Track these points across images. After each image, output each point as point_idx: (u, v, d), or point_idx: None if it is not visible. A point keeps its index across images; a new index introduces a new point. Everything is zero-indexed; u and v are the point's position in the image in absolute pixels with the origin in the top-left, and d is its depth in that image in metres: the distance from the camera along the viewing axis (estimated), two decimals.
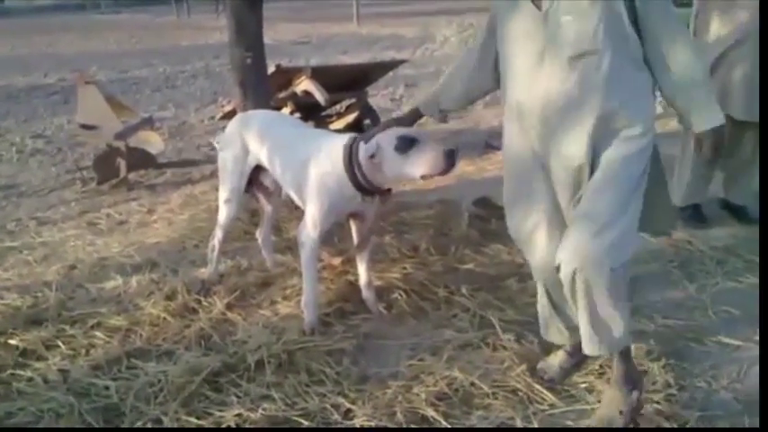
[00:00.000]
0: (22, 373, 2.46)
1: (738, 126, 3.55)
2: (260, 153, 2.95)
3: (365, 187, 2.54)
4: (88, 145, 6.24)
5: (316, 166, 2.67)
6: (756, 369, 2.44)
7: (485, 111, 8.36)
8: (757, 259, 3.26)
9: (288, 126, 3.04)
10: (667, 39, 1.99)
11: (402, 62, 7.32)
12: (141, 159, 5.62)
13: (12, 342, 2.65)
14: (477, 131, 7.21)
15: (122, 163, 5.26)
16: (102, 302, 2.99)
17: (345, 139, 2.61)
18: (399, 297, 2.99)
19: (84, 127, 5.66)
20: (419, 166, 2.36)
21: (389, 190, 2.64)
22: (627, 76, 1.99)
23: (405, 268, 3.24)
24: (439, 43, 14.78)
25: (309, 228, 2.72)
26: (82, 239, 4.02)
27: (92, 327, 2.78)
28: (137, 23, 21.81)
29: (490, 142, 6.53)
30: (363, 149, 2.44)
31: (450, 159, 2.33)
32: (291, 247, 3.55)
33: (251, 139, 2.97)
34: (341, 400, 2.33)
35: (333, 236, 3.47)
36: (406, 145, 2.36)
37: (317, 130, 3.35)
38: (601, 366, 2.46)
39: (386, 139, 2.40)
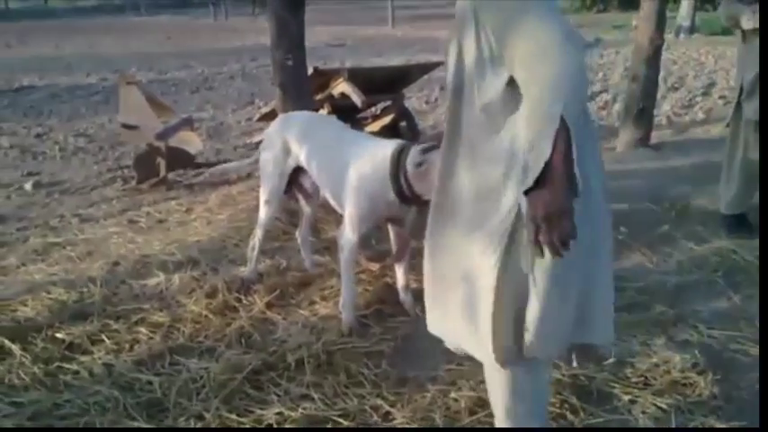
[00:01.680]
0: (68, 366, 2.51)
1: None
2: (300, 154, 2.97)
3: (405, 195, 2.54)
4: (129, 144, 6.36)
5: (357, 168, 2.67)
6: None
7: None
8: None
9: (329, 128, 3.05)
10: None
11: (438, 64, 7.28)
12: (180, 159, 5.70)
13: (58, 335, 2.71)
14: None
15: (162, 162, 5.35)
16: (145, 299, 3.04)
17: (393, 144, 2.60)
18: None
19: (126, 126, 5.78)
20: None
21: (427, 201, 2.63)
22: None
23: None
24: None
25: (348, 231, 2.73)
26: (123, 237, 4.08)
27: (135, 322, 2.82)
28: (175, 25, 22.18)
29: None
30: (410, 157, 2.44)
31: None
32: (329, 247, 3.57)
33: (292, 140, 3.00)
34: (380, 401, 2.32)
35: (371, 239, 3.48)
36: None
37: (358, 132, 3.36)
38: (645, 378, 2.42)
39: (435, 149, 2.39)
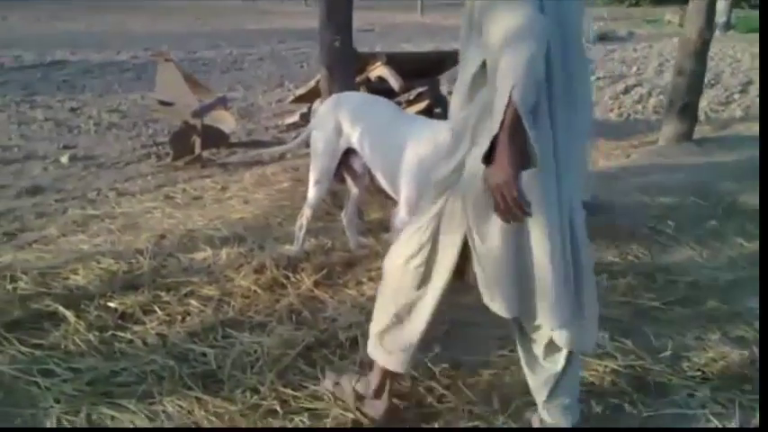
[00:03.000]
0: (122, 334, 2.52)
1: None
2: (353, 135, 2.94)
3: None
4: (162, 121, 6.37)
5: (416, 149, 2.64)
6: None
7: None
8: None
9: (383, 110, 3.01)
10: None
11: None
12: (215, 138, 5.70)
13: (111, 305, 2.72)
14: None
15: (197, 140, 5.35)
16: (193, 272, 3.04)
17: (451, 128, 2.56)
18: None
19: (162, 103, 5.79)
20: None
21: None
22: None
23: None
24: None
25: (405, 212, 2.70)
26: (162, 211, 4.10)
27: (185, 295, 2.82)
28: (203, 6, 22.17)
29: None
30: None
31: None
32: (372, 229, 3.56)
33: (345, 120, 2.96)
34: (434, 384, 2.31)
35: None
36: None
37: (414, 115, 3.32)
38: (703, 372, 2.38)
39: None
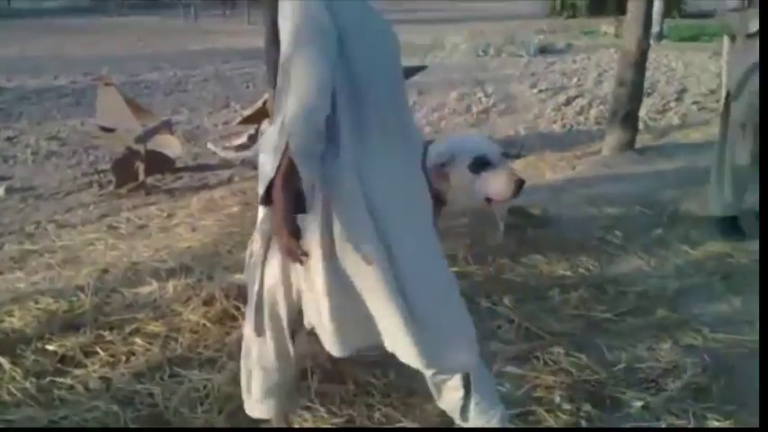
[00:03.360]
0: (62, 380, 2.39)
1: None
2: None
3: None
4: (104, 147, 6.18)
5: None
6: None
7: (500, 119, 8.34)
8: None
9: None
10: None
11: (422, 68, 7.26)
12: (160, 163, 5.57)
13: (50, 348, 2.58)
14: (494, 140, 7.16)
15: (141, 166, 5.22)
16: (138, 308, 2.92)
17: None
18: None
19: (103, 129, 5.61)
20: (487, 189, 2.32)
21: (444, 201, 2.58)
22: None
23: None
24: (448, 51, 14.76)
25: None
26: (104, 243, 3.96)
27: (130, 333, 2.71)
28: (144, 27, 21.78)
29: (506, 151, 6.50)
30: (435, 156, 2.39)
31: (518, 189, 2.29)
32: None
33: None
34: (390, 411, 2.26)
35: None
36: (481, 166, 2.32)
37: None
38: (656, 383, 2.40)
39: (463, 153, 2.35)
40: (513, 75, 11.35)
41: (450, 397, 1.92)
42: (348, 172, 1.66)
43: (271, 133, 2.96)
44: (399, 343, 1.78)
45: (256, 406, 2.00)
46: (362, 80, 1.68)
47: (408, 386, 2.41)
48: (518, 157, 6.24)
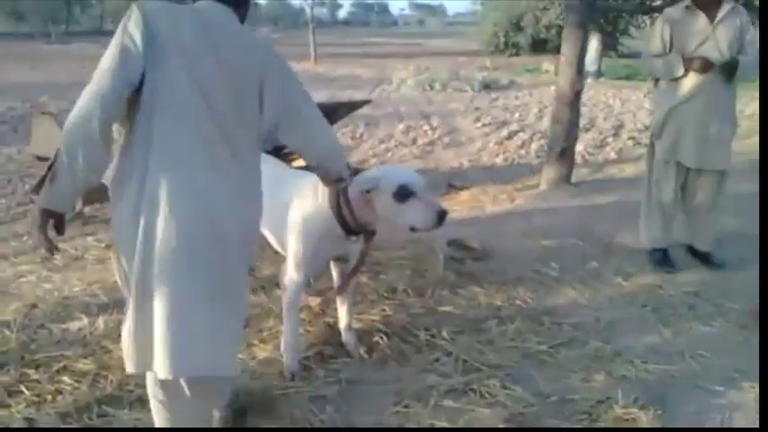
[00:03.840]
0: None
1: (693, 174, 3.78)
2: None
3: (350, 226, 2.50)
4: (39, 176, 6.00)
5: (299, 207, 2.61)
6: (739, 414, 2.48)
7: (445, 152, 8.48)
8: (728, 304, 3.36)
9: (268, 166, 2.95)
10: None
11: (366, 102, 7.34)
12: (98, 193, 5.41)
13: None
14: (439, 172, 7.28)
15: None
16: (67, 344, 2.81)
17: None
18: (380, 340, 2.92)
19: (39, 158, 5.47)
20: (410, 218, 2.35)
21: (374, 231, 2.60)
22: None
23: (384, 310, 3.19)
24: (395, 85, 14.99)
25: (292, 271, 2.64)
26: (37, 275, 3.82)
27: (57, 371, 2.60)
28: (86, 54, 21.35)
29: (453, 183, 6.61)
30: (358, 183, 2.41)
31: (440, 219, 2.33)
32: (264, 286, 3.47)
33: None
34: None
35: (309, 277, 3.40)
36: (404, 195, 2.35)
37: (297, 170, 3.29)
38: (590, 415, 2.44)
39: (387, 181, 2.38)
40: (457, 109, 11.60)
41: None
42: (136, 173, 1.78)
43: None
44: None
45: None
46: (170, 91, 1.78)
47: (346, 421, 2.40)
48: (461, 189, 6.36)
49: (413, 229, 2.39)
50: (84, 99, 1.70)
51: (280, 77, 2.00)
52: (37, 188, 1.73)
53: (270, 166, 2.96)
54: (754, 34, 3.74)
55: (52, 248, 1.77)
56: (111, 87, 1.71)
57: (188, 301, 1.79)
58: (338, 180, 2.36)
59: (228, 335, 1.90)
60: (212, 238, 1.83)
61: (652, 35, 3.86)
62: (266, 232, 2.86)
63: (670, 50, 3.73)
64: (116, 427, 2.18)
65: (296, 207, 2.63)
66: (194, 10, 1.91)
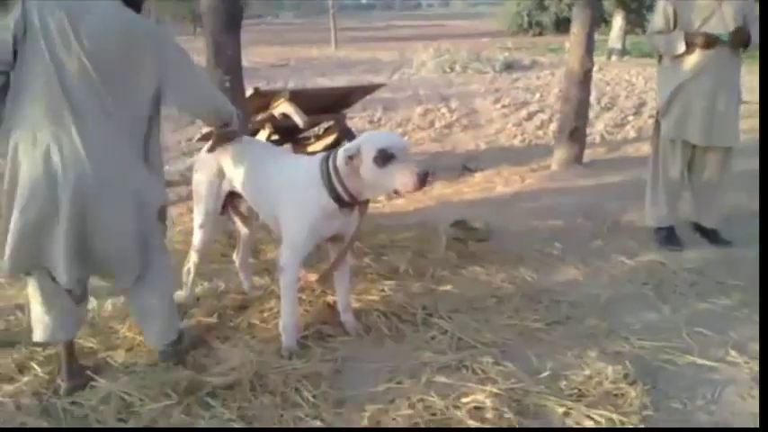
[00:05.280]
0: None
1: (700, 151, 3.74)
2: (234, 179, 2.94)
3: (343, 198, 2.55)
4: None
5: (292, 188, 2.67)
6: (730, 390, 2.49)
7: (462, 134, 8.47)
8: (729, 281, 3.33)
9: (260, 151, 3.01)
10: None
11: (380, 86, 7.39)
12: None
13: None
14: (454, 155, 7.29)
15: None
16: None
17: (320, 155, 2.64)
18: (378, 319, 2.98)
19: None
20: (392, 181, 2.41)
21: (367, 201, 2.65)
22: None
23: (383, 290, 3.24)
24: (415, 67, 14.96)
25: (288, 252, 2.71)
26: None
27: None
28: None
29: (467, 165, 6.63)
30: (342, 151, 2.48)
31: (422, 181, 2.37)
32: (269, 269, 3.54)
33: (226, 163, 2.95)
34: (317, 423, 2.30)
35: (312, 257, 3.46)
36: (385, 159, 2.39)
37: (291, 154, 3.37)
38: (579, 390, 2.47)
39: (367, 146, 2.43)
40: (477, 90, 11.56)
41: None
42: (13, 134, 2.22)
43: (204, 155, 3.03)
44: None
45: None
46: (30, 68, 2.20)
47: (338, 397, 2.46)
48: (475, 171, 6.38)
49: (396, 193, 2.45)
50: None
51: (158, 49, 2.39)
52: None
53: (263, 150, 3.04)
54: (753, 4, 3.68)
55: None
56: None
57: None
58: (225, 125, 2.69)
59: None
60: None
61: (656, 12, 3.82)
62: (262, 215, 2.93)
63: (674, 27, 3.68)
64: (115, 427, 2.24)
65: (289, 189, 2.69)
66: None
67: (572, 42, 5.48)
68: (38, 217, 2.23)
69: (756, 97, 4.40)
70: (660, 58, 3.87)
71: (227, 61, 4.00)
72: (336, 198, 2.55)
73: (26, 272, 2.38)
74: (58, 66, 2.20)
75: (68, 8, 2.23)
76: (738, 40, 3.55)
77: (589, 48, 5.37)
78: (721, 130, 3.68)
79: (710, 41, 3.54)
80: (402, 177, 2.38)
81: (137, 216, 2.38)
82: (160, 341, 2.59)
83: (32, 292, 2.42)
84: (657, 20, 3.75)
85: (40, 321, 2.43)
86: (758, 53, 3.60)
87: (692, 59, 3.64)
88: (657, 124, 3.89)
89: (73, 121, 2.22)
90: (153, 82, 2.38)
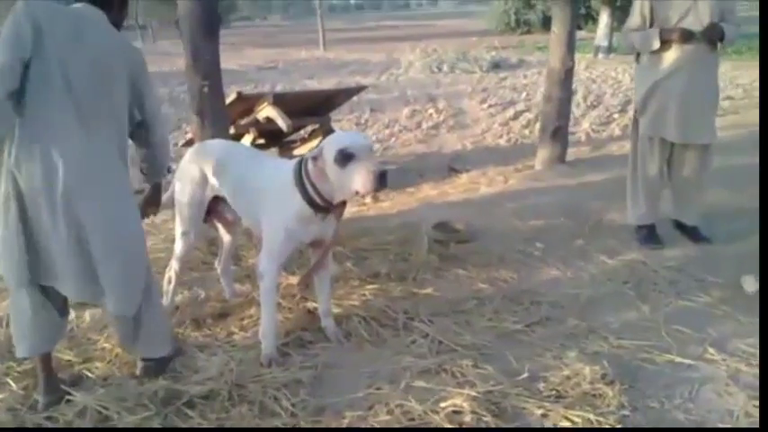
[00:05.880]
0: None
1: (678, 149, 3.75)
2: (217, 184, 2.93)
3: (317, 202, 2.55)
4: None
5: (271, 192, 2.67)
6: (707, 387, 2.50)
7: (449, 135, 8.47)
8: (709, 278, 3.35)
9: (244, 156, 3.01)
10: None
11: (364, 88, 7.38)
12: None
13: None
14: (441, 155, 7.29)
15: None
16: None
17: (295, 160, 2.64)
18: (359, 324, 2.98)
19: None
20: (351, 182, 2.39)
21: (344, 204, 2.64)
22: None
23: (364, 295, 3.24)
24: (403, 68, 14.95)
25: (268, 258, 2.70)
26: None
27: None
28: None
29: (453, 166, 6.63)
30: (309, 153, 2.49)
31: (381, 181, 2.36)
32: (250, 275, 3.53)
33: (208, 170, 2.94)
34: None
35: (292, 263, 3.46)
36: (345, 158, 2.38)
37: (272, 159, 3.36)
38: (557, 391, 2.48)
39: (328, 147, 2.43)
40: (464, 90, 11.55)
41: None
42: (28, 140, 2.21)
43: (185, 162, 3.02)
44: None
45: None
46: (53, 70, 2.22)
47: (317, 404, 2.46)
48: (461, 172, 6.38)
49: (357, 193, 2.43)
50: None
51: (139, 71, 2.51)
52: None
53: (245, 154, 3.03)
54: (733, 3, 3.69)
55: None
56: (7, 64, 2.12)
57: None
58: (156, 175, 2.80)
59: None
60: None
61: (632, 10, 3.83)
62: (245, 220, 2.93)
63: (651, 25, 3.70)
64: (110, 427, 2.24)
65: (268, 194, 2.69)
66: (70, 10, 2.35)
67: (552, 41, 5.49)
68: (37, 227, 2.26)
69: (741, 93, 4.50)
70: (638, 56, 3.88)
71: (206, 66, 3.99)
72: (310, 202, 2.54)
73: (25, 285, 2.34)
74: (66, 75, 2.25)
75: (75, 20, 2.30)
76: (712, 35, 3.56)
77: (570, 46, 5.38)
78: (697, 127, 3.70)
79: (686, 35, 3.55)
80: (360, 179, 2.36)
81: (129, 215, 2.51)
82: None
83: (19, 307, 2.38)
84: (634, 18, 3.76)
85: (24, 337, 2.40)
86: (757, 52, 3.61)
87: (669, 57, 3.65)
88: (636, 122, 3.90)
89: (79, 127, 2.28)
90: (127, 98, 2.49)
